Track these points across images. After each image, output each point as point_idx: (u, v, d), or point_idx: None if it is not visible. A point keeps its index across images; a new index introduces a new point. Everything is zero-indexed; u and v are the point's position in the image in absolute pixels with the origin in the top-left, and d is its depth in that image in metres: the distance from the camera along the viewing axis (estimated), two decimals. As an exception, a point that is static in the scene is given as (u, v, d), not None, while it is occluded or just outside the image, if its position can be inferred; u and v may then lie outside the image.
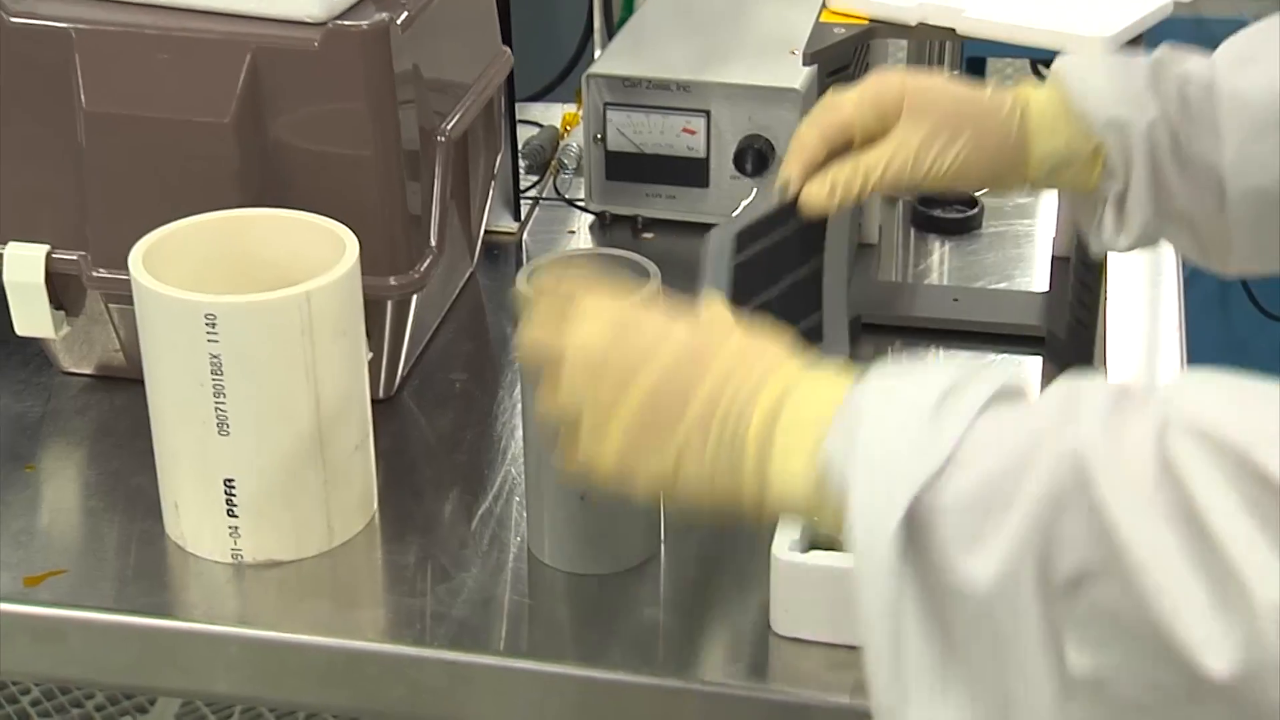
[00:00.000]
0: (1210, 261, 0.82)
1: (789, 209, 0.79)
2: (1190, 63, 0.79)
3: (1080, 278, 0.99)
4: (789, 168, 0.79)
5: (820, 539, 0.77)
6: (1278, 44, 0.78)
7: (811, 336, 0.82)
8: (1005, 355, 1.01)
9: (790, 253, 0.80)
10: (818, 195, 0.78)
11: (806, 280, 0.81)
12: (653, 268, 0.76)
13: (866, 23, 0.94)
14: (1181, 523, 0.47)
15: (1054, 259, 1.09)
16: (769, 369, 0.60)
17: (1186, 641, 0.47)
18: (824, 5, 0.97)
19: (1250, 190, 0.77)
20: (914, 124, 0.78)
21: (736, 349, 0.62)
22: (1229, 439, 0.47)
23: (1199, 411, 0.49)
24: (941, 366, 0.57)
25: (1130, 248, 0.81)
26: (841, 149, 0.79)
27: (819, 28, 0.95)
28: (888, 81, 0.79)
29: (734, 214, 0.79)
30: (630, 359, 0.62)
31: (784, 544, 0.75)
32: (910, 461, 0.53)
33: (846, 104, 0.79)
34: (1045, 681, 0.51)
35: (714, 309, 0.65)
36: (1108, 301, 1.00)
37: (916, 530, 0.53)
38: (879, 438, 0.55)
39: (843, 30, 0.94)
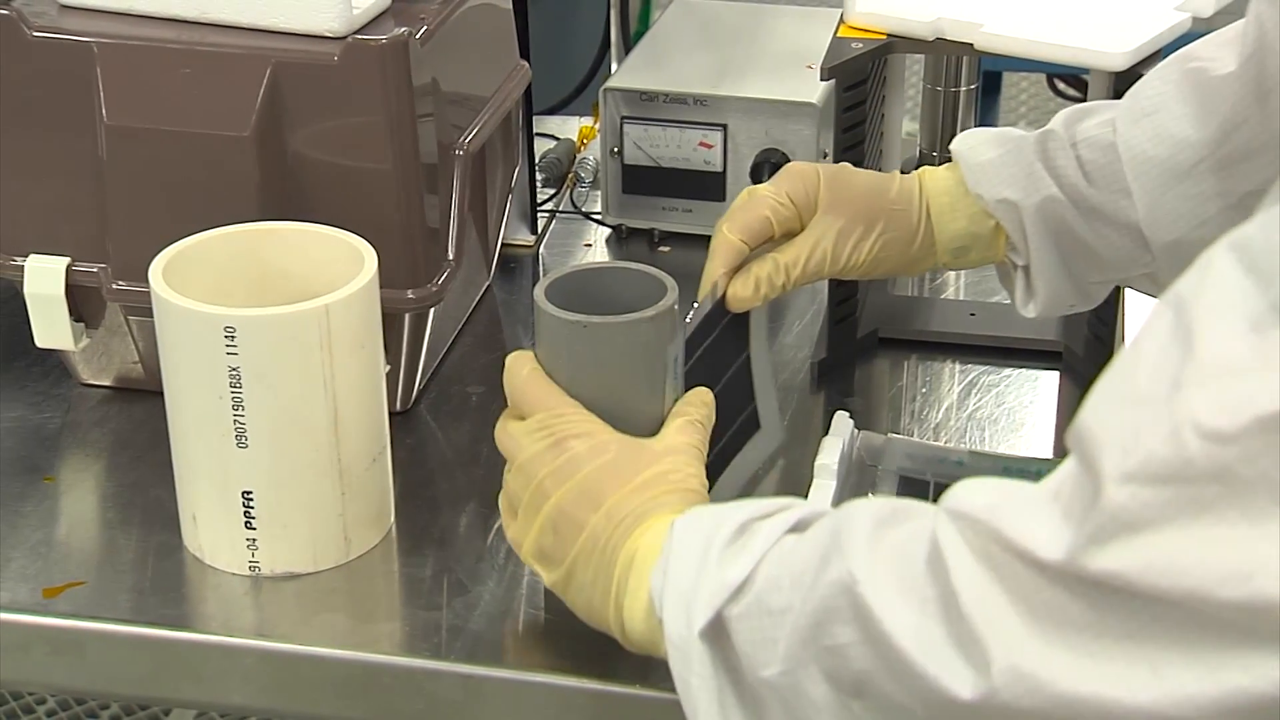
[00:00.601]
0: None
1: (720, 307, 0.82)
2: (1090, 124, 0.82)
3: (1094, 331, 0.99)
4: (713, 267, 0.82)
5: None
6: (1174, 91, 0.78)
7: (750, 424, 0.84)
8: (1021, 370, 1.01)
9: (726, 347, 0.82)
10: (742, 292, 0.81)
11: (740, 370, 0.84)
12: (670, 281, 0.76)
13: (884, 37, 0.95)
14: (937, 595, 0.53)
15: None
16: (648, 510, 0.68)
17: (938, 677, 0.52)
18: (841, 20, 0.97)
19: (1170, 244, 0.80)
20: (830, 219, 0.82)
21: (636, 485, 0.69)
22: (976, 512, 0.53)
23: (960, 497, 0.54)
24: (743, 505, 0.65)
25: (1043, 314, 0.86)
26: (762, 243, 0.83)
27: (836, 42, 0.95)
28: (803, 175, 0.83)
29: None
30: (556, 472, 0.70)
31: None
32: (710, 585, 0.62)
33: (764, 202, 0.82)
34: None
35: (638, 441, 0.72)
36: (1125, 317, 1.00)
37: (718, 639, 0.62)
38: (684, 569, 0.63)
39: (860, 45, 0.94)
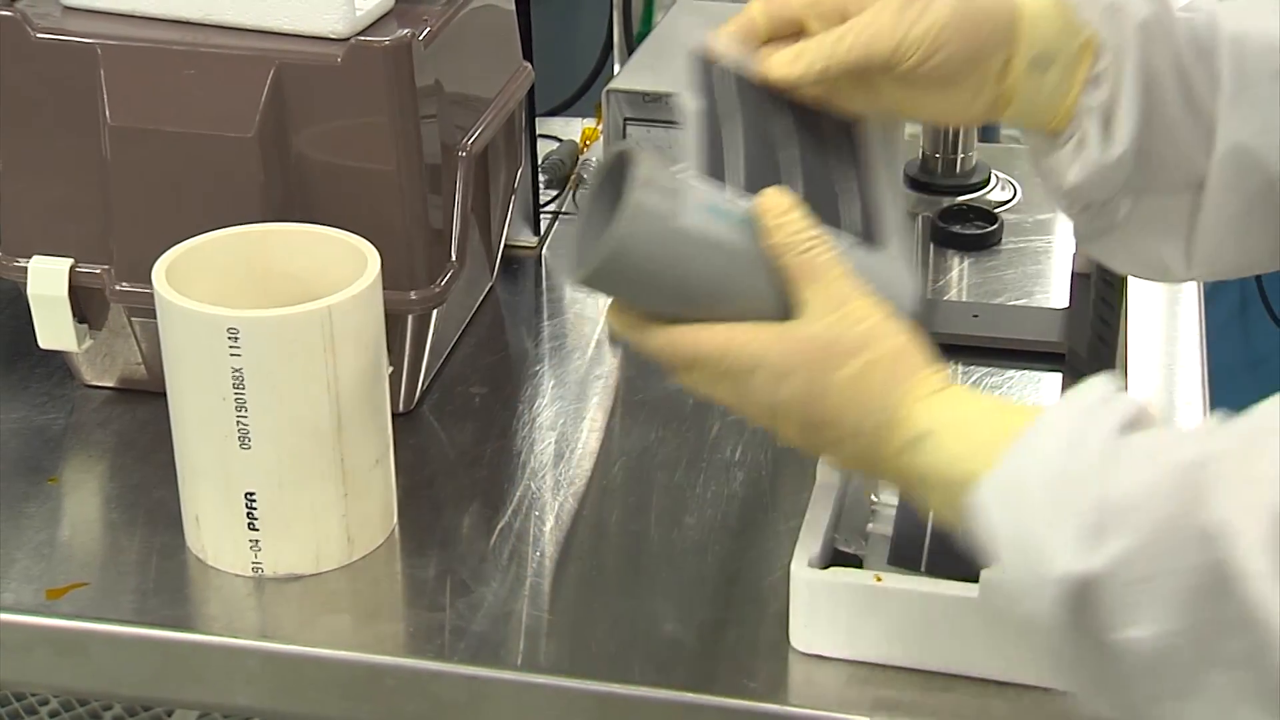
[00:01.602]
0: (1167, 258, 0.75)
1: (765, 98, 0.70)
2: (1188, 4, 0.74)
3: (1101, 294, 0.99)
4: (719, 35, 0.71)
5: (839, 556, 0.77)
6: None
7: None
8: (1025, 371, 1.01)
9: (826, 158, 0.70)
10: (780, 62, 0.70)
11: (846, 193, 0.71)
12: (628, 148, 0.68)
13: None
14: None
15: (1074, 275, 1.08)
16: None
17: None
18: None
19: (1232, 147, 0.72)
20: (887, 1, 0.70)
21: (847, 380, 0.64)
22: None
23: None
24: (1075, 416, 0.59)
25: (1112, 164, 0.72)
26: (792, 32, 0.72)
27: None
28: None
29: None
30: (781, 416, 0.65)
31: (803, 560, 0.75)
32: (1060, 534, 0.56)
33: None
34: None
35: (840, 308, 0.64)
36: (1128, 318, 1.00)
37: (1078, 598, 0.56)
38: (1033, 509, 0.58)
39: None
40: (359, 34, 0.88)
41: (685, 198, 0.64)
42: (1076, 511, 0.56)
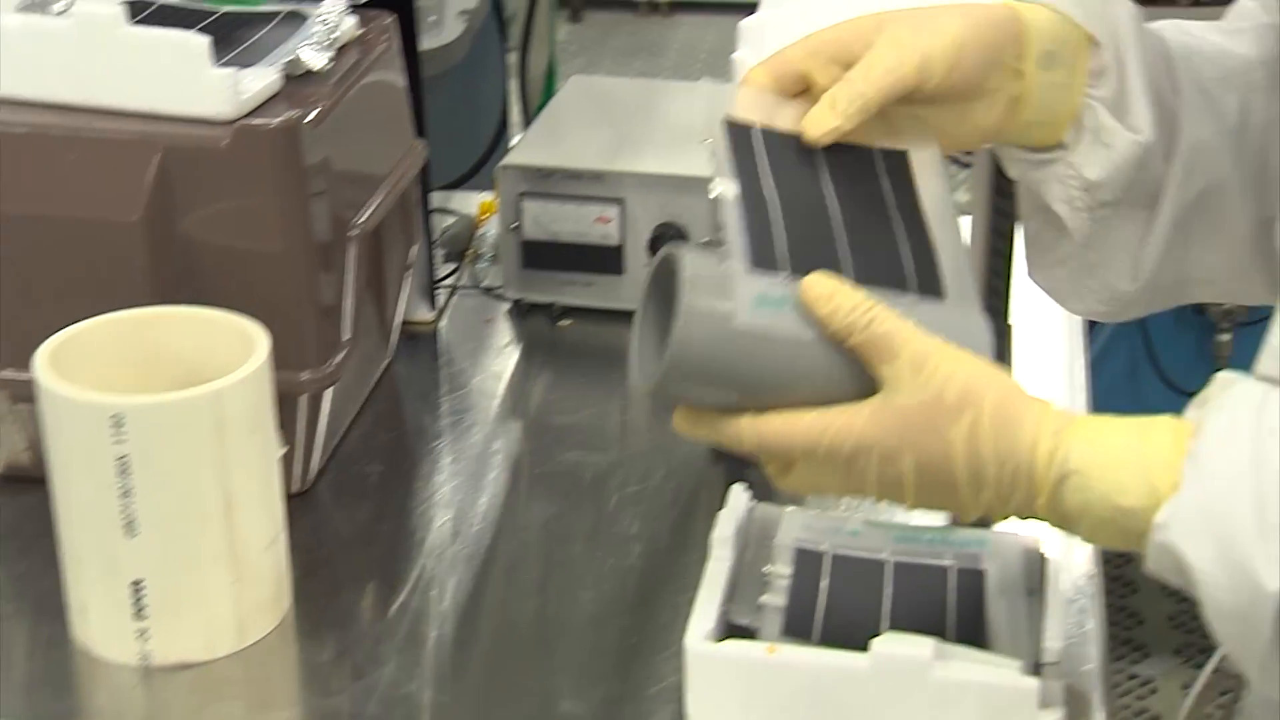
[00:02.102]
0: (1114, 277, 0.76)
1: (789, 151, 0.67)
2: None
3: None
4: (735, 108, 0.68)
5: (734, 628, 0.77)
6: (1201, 25, 0.76)
7: (927, 288, 0.67)
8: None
9: (860, 198, 0.68)
10: (817, 120, 0.67)
11: (896, 224, 0.69)
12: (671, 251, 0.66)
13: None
14: None
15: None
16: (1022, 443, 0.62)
17: None
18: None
19: (1193, 144, 0.73)
20: (893, 29, 0.69)
21: (967, 430, 0.62)
22: None
23: None
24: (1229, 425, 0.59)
25: (1141, 154, 0.71)
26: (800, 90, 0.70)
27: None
28: (858, 25, 0.69)
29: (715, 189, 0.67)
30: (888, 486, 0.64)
31: (696, 633, 0.75)
32: (1257, 544, 0.56)
33: (794, 53, 0.70)
34: None
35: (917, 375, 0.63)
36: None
37: None
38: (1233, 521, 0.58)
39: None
40: (245, 116, 0.88)
41: (736, 293, 0.63)
42: (1277, 520, 0.56)
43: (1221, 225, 0.76)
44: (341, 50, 0.96)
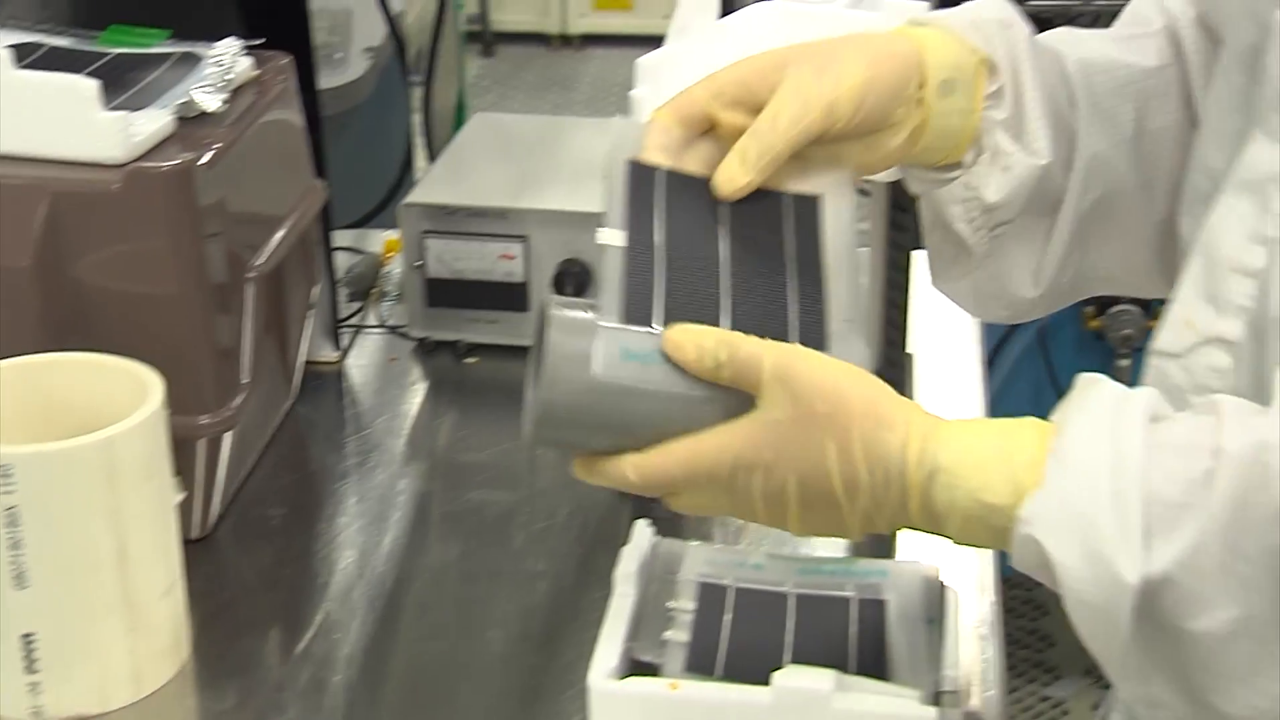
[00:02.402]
0: (1017, 283, 0.77)
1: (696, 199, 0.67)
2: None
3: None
4: (643, 152, 0.68)
5: (638, 665, 0.77)
6: (1095, 35, 0.78)
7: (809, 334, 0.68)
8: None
9: (754, 246, 0.68)
10: (728, 175, 0.68)
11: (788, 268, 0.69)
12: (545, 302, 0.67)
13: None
14: None
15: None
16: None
17: None
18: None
19: (1089, 158, 0.75)
20: (796, 72, 0.69)
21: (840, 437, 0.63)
22: None
23: None
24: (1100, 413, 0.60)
25: (1039, 175, 0.73)
26: (706, 130, 0.71)
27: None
28: (760, 65, 0.70)
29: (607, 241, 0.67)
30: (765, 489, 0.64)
31: (600, 671, 0.75)
32: (1117, 538, 0.58)
33: (698, 93, 0.70)
34: None
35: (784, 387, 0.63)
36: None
37: (1151, 598, 0.58)
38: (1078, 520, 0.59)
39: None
40: (137, 159, 0.87)
41: (598, 349, 0.64)
42: (1137, 515, 0.58)
43: (1120, 228, 0.78)
44: (237, 91, 0.95)
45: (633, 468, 0.65)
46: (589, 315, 0.65)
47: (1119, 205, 0.77)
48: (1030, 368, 1.94)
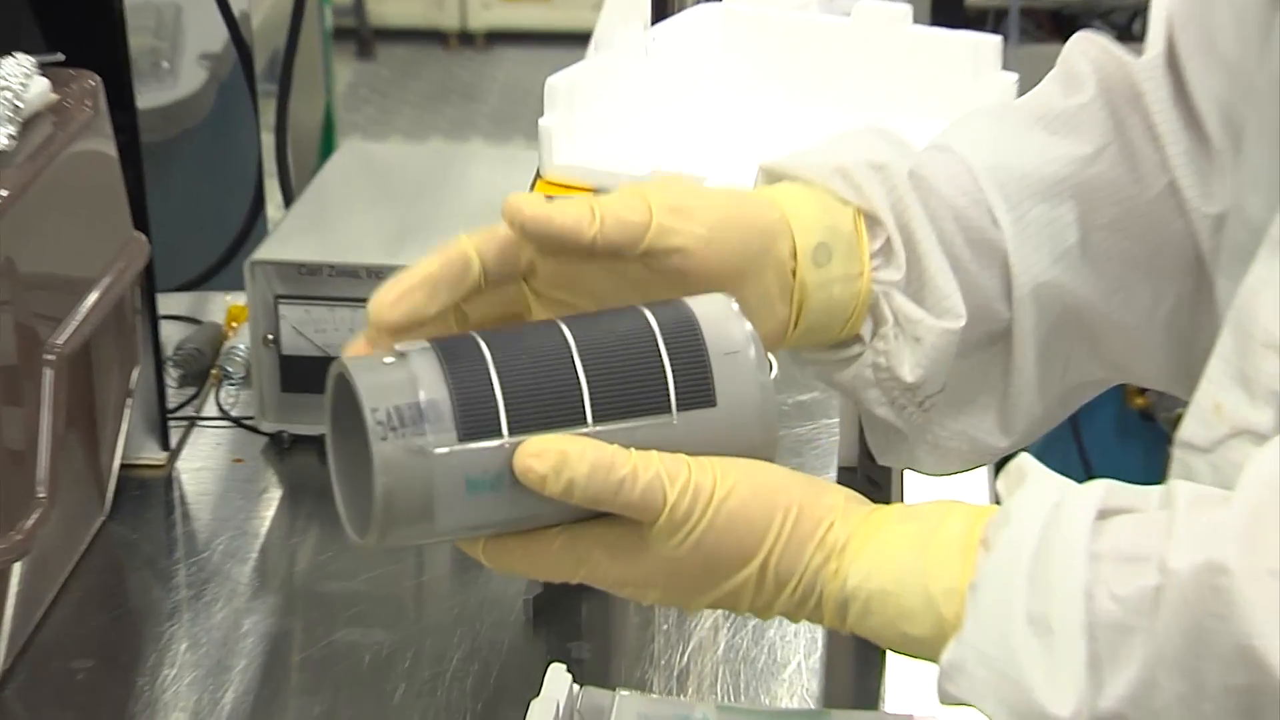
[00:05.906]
0: (982, 432, 0.80)
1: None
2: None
3: (867, 492, 1.03)
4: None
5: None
6: (1015, 120, 0.80)
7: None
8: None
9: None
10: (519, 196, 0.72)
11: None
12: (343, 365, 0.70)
13: (590, 194, 0.98)
14: None
15: (840, 470, 1.13)
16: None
17: None
18: (538, 175, 1.00)
19: (1032, 289, 0.77)
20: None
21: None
22: None
23: None
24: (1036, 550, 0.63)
25: (955, 341, 0.75)
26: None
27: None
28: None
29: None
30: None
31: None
32: (1059, 682, 0.61)
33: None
34: None
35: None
36: (904, 494, 1.04)
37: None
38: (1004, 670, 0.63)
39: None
40: (-99, 211, 0.88)
41: (439, 488, 0.65)
42: (1079, 649, 0.61)
43: (1107, 328, 0.80)
44: (30, 122, 0.96)
45: (491, 559, 0.69)
46: (419, 440, 0.64)
47: (1091, 317, 0.79)
48: (1061, 452, 1.95)
